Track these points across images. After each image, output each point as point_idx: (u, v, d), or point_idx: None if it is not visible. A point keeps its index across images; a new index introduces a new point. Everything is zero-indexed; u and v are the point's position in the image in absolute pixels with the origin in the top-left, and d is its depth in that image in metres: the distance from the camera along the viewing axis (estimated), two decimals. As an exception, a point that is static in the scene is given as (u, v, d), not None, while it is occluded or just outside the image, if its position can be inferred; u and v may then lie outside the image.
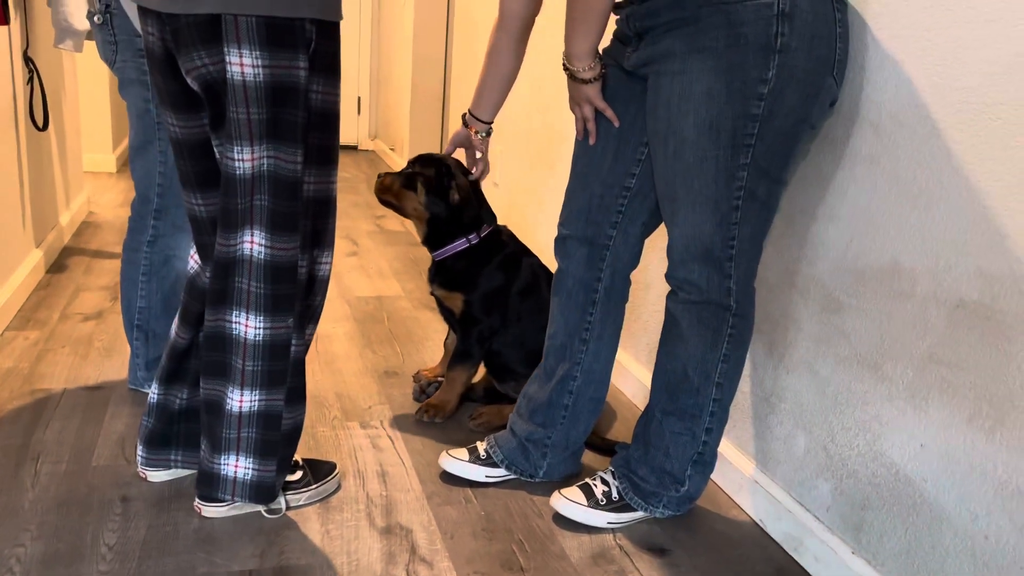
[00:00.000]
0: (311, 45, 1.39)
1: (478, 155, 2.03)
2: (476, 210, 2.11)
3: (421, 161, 2.13)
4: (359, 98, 6.57)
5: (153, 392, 1.68)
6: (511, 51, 1.82)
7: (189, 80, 1.41)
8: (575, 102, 1.64)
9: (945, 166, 1.34)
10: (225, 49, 1.33)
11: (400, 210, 2.15)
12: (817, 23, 1.36)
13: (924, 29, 1.37)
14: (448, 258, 2.12)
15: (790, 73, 1.37)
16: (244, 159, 1.39)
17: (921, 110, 1.39)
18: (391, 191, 2.14)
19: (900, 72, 1.42)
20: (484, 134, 1.97)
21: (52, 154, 3.26)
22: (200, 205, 1.56)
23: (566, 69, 1.58)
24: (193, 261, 1.63)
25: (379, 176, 2.16)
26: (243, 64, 1.33)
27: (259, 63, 1.33)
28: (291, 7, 1.33)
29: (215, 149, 1.48)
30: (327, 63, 1.43)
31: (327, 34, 1.41)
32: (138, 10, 1.45)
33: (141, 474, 1.74)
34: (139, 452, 1.71)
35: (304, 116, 1.42)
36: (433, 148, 5.46)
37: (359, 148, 6.72)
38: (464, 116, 1.96)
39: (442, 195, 2.08)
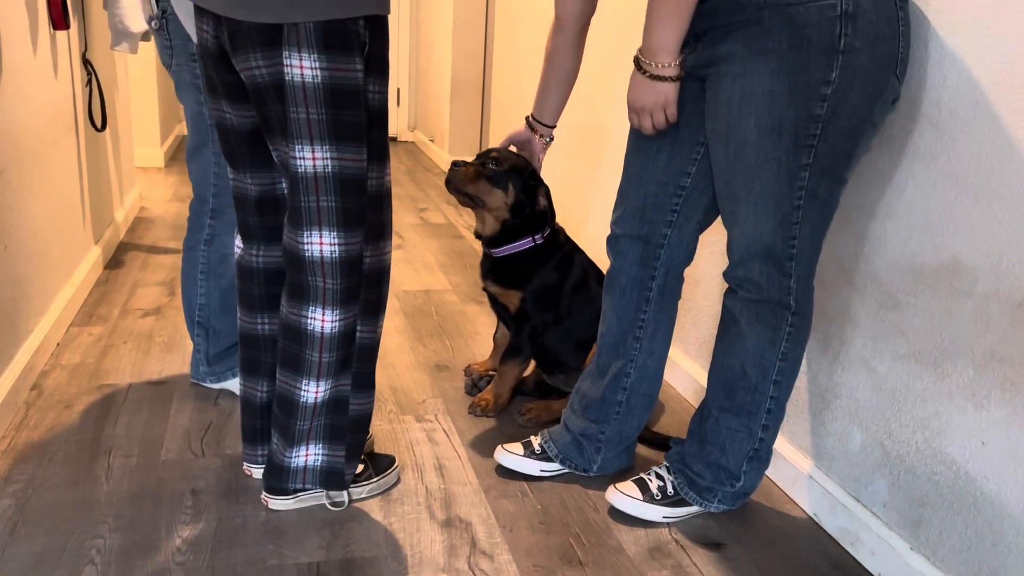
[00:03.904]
0: (365, 48, 1.43)
1: (536, 159, 2.03)
2: (554, 215, 2.12)
3: (503, 158, 2.04)
4: (398, 89, 6.61)
5: (239, 383, 1.73)
6: (569, 53, 1.83)
7: (242, 76, 1.46)
8: (644, 107, 1.53)
9: (1006, 162, 1.34)
10: (285, 53, 1.37)
11: (477, 204, 2.06)
12: (880, 23, 1.36)
13: (985, 25, 1.36)
14: (508, 256, 2.12)
15: (854, 74, 1.36)
16: (306, 158, 1.44)
17: (981, 106, 1.38)
18: (474, 183, 2.02)
19: (960, 68, 1.41)
20: (549, 139, 1.98)
21: (108, 152, 3.34)
22: (250, 184, 1.62)
23: (640, 66, 1.49)
24: (236, 246, 1.69)
25: (455, 164, 2.04)
26: (303, 66, 1.38)
27: (317, 65, 1.38)
28: (348, 7, 1.37)
29: (272, 152, 1.53)
30: (379, 64, 1.48)
31: (378, 34, 1.45)
32: (194, 8, 1.50)
33: (247, 471, 1.79)
34: (244, 450, 1.76)
35: (366, 116, 1.47)
36: (473, 139, 5.49)
37: (398, 139, 6.77)
38: (528, 119, 1.97)
39: (530, 197, 2.06)
